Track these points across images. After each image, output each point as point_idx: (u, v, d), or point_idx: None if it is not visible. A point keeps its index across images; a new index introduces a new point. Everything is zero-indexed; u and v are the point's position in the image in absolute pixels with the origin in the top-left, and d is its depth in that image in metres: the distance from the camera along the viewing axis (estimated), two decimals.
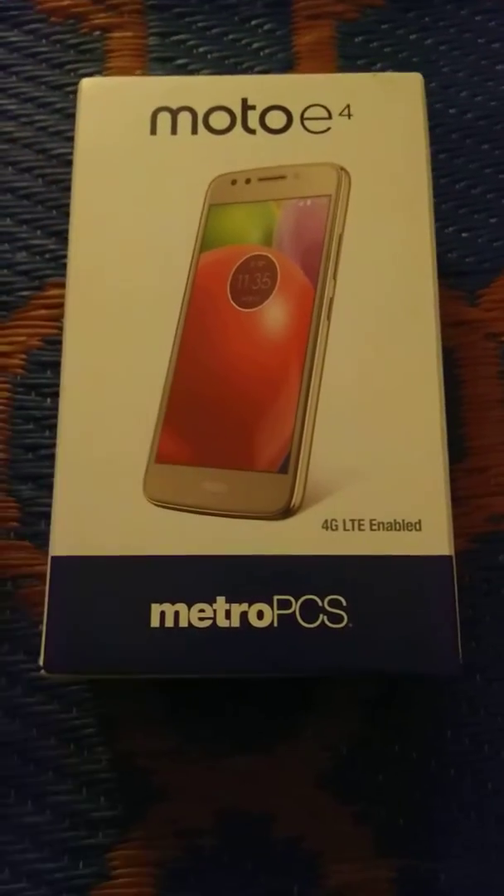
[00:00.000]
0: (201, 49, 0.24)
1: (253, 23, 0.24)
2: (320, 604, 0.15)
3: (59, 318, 0.21)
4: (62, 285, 0.21)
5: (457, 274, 0.22)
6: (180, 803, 0.18)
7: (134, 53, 0.24)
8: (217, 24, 0.24)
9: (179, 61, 0.24)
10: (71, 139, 0.23)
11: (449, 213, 0.22)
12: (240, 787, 0.18)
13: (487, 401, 0.21)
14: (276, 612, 0.15)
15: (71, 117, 0.23)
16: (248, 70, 0.24)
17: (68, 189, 0.22)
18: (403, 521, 0.16)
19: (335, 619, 0.15)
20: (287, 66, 0.24)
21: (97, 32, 0.24)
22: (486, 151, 0.23)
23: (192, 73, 0.24)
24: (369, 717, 0.18)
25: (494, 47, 0.24)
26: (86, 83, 0.19)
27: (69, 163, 0.23)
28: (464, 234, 0.22)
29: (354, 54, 0.24)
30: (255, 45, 0.24)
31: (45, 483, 0.20)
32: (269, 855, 0.18)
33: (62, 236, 0.22)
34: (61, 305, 0.22)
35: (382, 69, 0.24)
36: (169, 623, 0.15)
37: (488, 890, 0.17)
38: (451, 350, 0.21)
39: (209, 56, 0.24)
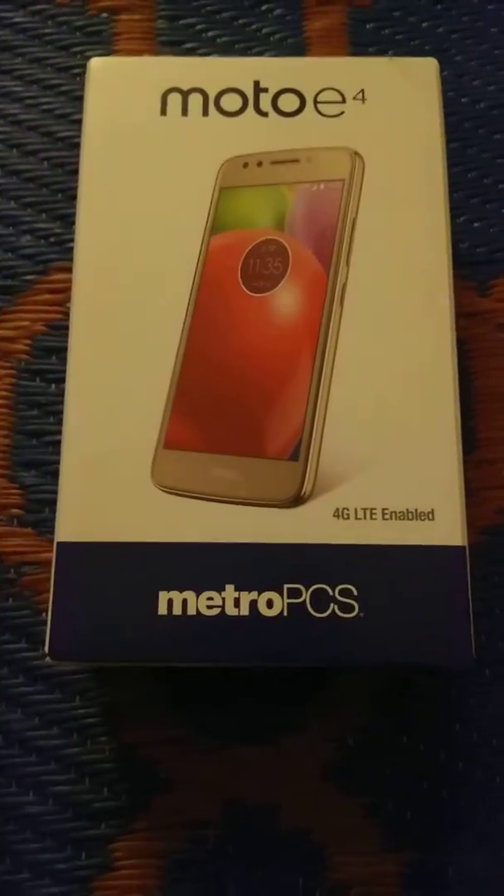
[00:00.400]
0: (210, 33, 0.24)
1: (263, 7, 0.24)
2: (331, 593, 0.15)
3: (64, 302, 0.21)
4: (67, 270, 0.21)
5: (468, 264, 0.21)
6: (185, 794, 0.18)
7: (141, 36, 0.24)
8: (226, 8, 0.24)
9: (188, 45, 0.23)
10: (77, 122, 0.23)
11: (460, 203, 0.22)
12: (245, 779, 0.18)
13: (498, 392, 0.21)
14: (286, 601, 0.15)
15: (77, 100, 0.23)
16: (258, 55, 0.23)
17: (74, 172, 0.22)
18: (416, 510, 0.15)
19: (346, 608, 0.15)
20: (297, 52, 0.23)
21: (104, 14, 0.24)
22: (498, 141, 0.23)
23: (201, 57, 0.23)
24: (377, 709, 0.18)
25: None
26: (95, 62, 0.19)
27: (75, 146, 0.22)
28: (475, 224, 0.22)
29: (366, 41, 0.24)
30: (264, 30, 0.24)
31: (48, 470, 0.20)
32: (274, 847, 0.17)
33: (67, 220, 0.22)
34: (66, 290, 0.21)
35: (394, 56, 0.23)
36: (177, 611, 0.15)
37: (497, 883, 0.17)
38: (462, 341, 0.21)
39: (218, 40, 0.23)
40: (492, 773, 0.18)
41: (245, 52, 0.23)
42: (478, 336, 0.21)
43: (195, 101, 0.18)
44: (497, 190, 0.22)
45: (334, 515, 0.15)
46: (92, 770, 0.18)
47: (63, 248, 0.22)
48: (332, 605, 0.15)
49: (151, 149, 0.18)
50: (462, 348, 0.21)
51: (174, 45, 0.23)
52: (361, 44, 0.24)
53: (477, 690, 0.18)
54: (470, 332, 0.21)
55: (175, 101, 0.18)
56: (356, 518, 0.15)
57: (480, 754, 0.18)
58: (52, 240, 0.22)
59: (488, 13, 0.24)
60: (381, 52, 0.23)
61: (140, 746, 0.18)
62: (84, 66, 0.19)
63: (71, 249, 0.21)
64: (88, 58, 0.23)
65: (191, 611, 0.15)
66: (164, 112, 0.18)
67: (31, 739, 0.18)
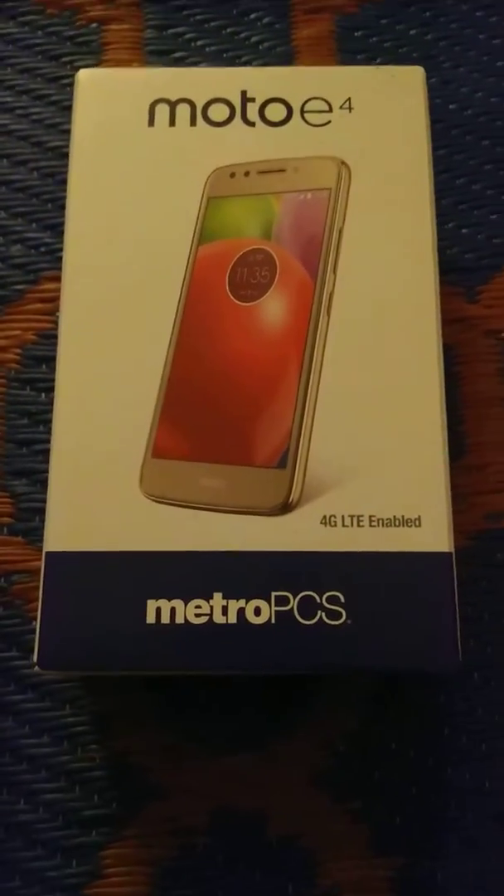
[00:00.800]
0: (199, 42, 0.24)
1: (252, 16, 0.24)
2: (318, 600, 0.15)
3: (54, 311, 0.21)
4: (57, 279, 0.21)
5: (456, 270, 0.22)
6: (175, 801, 0.18)
7: (131, 46, 0.24)
8: (215, 17, 0.24)
9: (177, 54, 0.24)
10: (67, 132, 0.23)
11: (449, 210, 0.22)
12: (235, 786, 0.18)
13: (487, 398, 0.21)
14: (274, 608, 0.15)
15: (67, 110, 0.23)
16: (247, 64, 0.23)
17: (64, 182, 0.22)
18: (403, 517, 0.16)
19: (333, 615, 0.15)
20: (286, 60, 0.23)
21: (94, 24, 0.24)
22: (486, 148, 0.23)
23: (189, 65, 0.23)
24: (366, 715, 0.18)
25: (495, 43, 0.24)
26: (83, 74, 0.19)
27: (65, 156, 0.22)
28: (463, 231, 0.22)
29: (354, 49, 0.24)
30: (253, 39, 0.24)
31: (39, 479, 0.20)
32: (264, 853, 0.17)
33: (57, 230, 0.22)
34: (56, 299, 0.21)
35: (382, 64, 0.24)
36: (165, 619, 0.15)
37: (485, 888, 0.17)
38: (451, 347, 0.21)
39: (207, 49, 0.24)
40: (481, 778, 0.18)
41: (233, 61, 0.24)
42: (466, 342, 0.21)
43: (183, 111, 0.18)
44: (485, 196, 0.22)
45: (321, 523, 0.16)
46: (82, 778, 0.18)
47: (53, 258, 0.22)
48: (319, 612, 0.15)
49: (139, 159, 0.18)
50: (451, 354, 0.21)
51: (163, 54, 0.24)
52: (349, 51, 0.24)
53: (466, 695, 0.19)
54: (458, 337, 0.21)
55: (163, 111, 0.18)
56: (343, 525, 0.16)
57: (469, 759, 0.18)
58: (42, 249, 0.22)
59: (476, 20, 0.24)
60: (369, 60, 0.24)
61: (130, 754, 0.18)
62: (74, 77, 0.19)
63: (61, 259, 0.21)
64: (78, 68, 0.23)
65: (179, 619, 0.15)
66: (151, 123, 0.18)
67: (23, 747, 0.18)
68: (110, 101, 0.18)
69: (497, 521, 0.20)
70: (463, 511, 0.20)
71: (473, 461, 0.20)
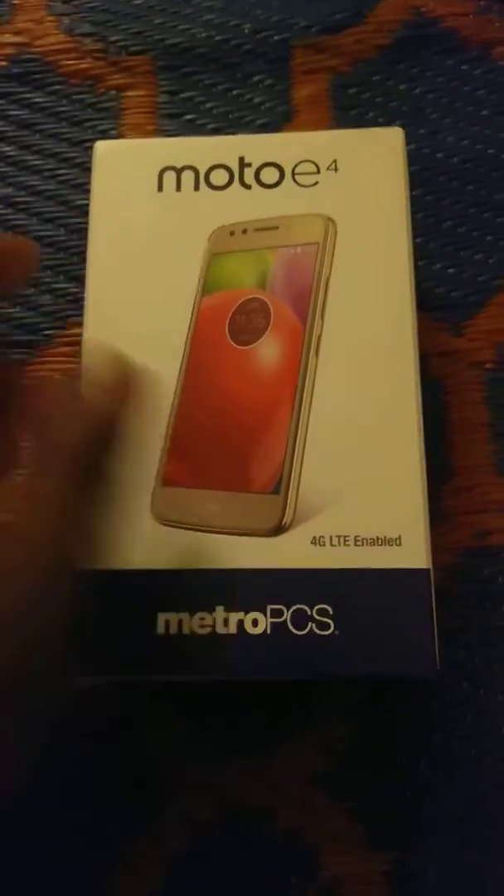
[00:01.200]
0: (208, 105, 0.26)
1: (254, 79, 0.26)
2: (309, 613, 0.17)
3: (80, 354, 0.23)
4: (82, 324, 0.23)
5: (443, 307, 0.23)
6: (190, 798, 0.20)
7: (146, 110, 0.26)
8: (221, 81, 0.26)
9: (188, 116, 0.26)
10: (90, 192, 0.25)
11: (436, 251, 0.24)
12: (244, 785, 0.20)
13: (473, 424, 0.22)
14: (270, 620, 0.17)
15: (90, 171, 0.25)
16: (251, 122, 0.26)
17: None
18: (385, 536, 0.17)
19: (323, 626, 0.17)
20: (286, 118, 0.26)
21: (112, 92, 0.26)
22: (470, 192, 0.25)
23: (199, 126, 0.26)
24: (363, 721, 0.20)
25: (479, 94, 0.26)
26: (100, 146, 0.21)
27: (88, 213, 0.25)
28: (450, 270, 0.24)
29: (348, 105, 0.26)
30: (256, 100, 0.26)
31: None
32: (270, 847, 0.19)
33: (83, 280, 0.24)
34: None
35: (374, 118, 0.26)
36: (174, 630, 0.17)
37: (473, 883, 0.19)
38: (439, 378, 0.23)
39: (214, 111, 0.26)
40: (469, 780, 0.19)
41: (238, 121, 0.26)
42: (453, 373, 0.23)
43: (187, 177, 0.20)
44: (470, 237, 0.24)
45: (312, 542, 0.17)
46: (107, 775, 0.20)
47: (79, 306, 0.24)
48: (310, 623, 0.17)
49: (150, 221, 0.20)
50: (439, 385, 0.23)
51: (175, 117, 0.26)
52: (344, 107, 0.26)
53: (456, 702, 0.20)
54: (446, 369, 0.23)
55: (170, 178, 0.20)
56: (331, 545, 0.17)
57: (460, 762, 0.20)
58: (69, 298, 0.24)
59: (461, 73, 0.26)
60: (362, 115, 0.26)
61: (150, 754, 0.20)
62: (95, 140, 0.21)
63: None
64: (100, 132, 0.26)
65: (186, 630, 0.17)
66: (160, 188, 0.20)
67: (53, 748, 0.20)
68: (124, 170, 0.21)
69: (484, 539, 0.21)
70: (453, 530, 0.21)
71: (462, 483, 0.22)
